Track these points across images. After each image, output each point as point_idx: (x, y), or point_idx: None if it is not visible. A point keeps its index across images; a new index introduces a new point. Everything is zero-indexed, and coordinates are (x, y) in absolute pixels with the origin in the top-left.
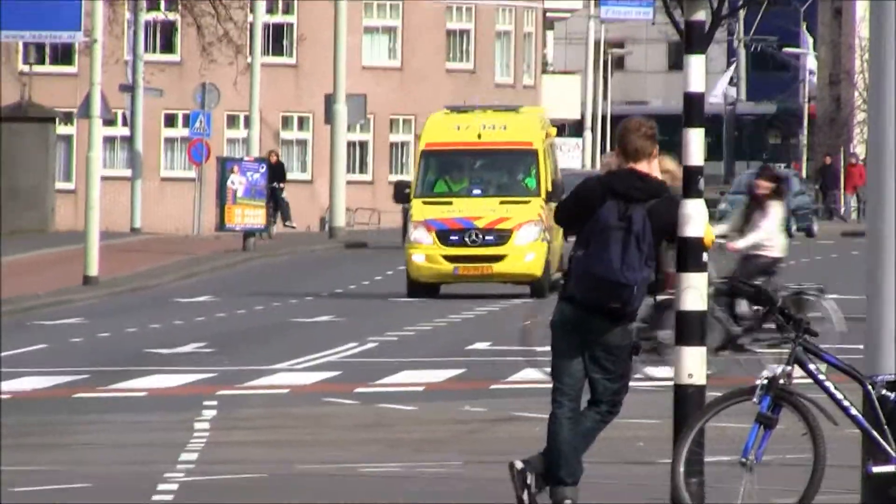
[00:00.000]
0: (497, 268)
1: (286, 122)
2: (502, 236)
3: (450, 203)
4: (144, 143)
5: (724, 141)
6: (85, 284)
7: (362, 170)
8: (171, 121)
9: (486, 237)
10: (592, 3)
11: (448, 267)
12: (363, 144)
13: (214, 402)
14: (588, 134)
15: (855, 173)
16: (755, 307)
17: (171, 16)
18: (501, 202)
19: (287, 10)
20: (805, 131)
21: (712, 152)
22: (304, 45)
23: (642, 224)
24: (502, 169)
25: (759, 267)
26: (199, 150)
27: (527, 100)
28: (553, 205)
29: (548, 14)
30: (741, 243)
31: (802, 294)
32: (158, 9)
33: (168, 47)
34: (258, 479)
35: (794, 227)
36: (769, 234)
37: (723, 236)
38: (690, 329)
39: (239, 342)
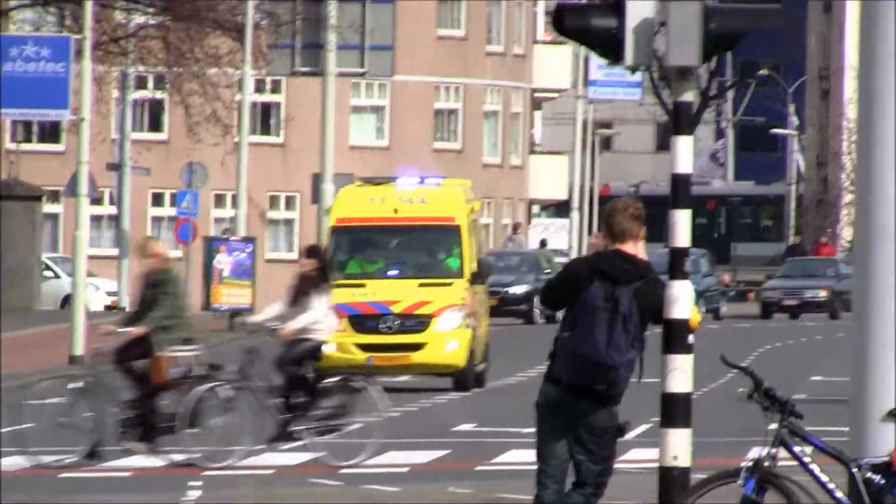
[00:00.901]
0: (416, 357)
1: (273, 201)
2: (421, 322)
3: (363, 286)
4: (131, 222)
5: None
6: (71, 363)
7: None
8: (158, 200)
9: (404, 323)
10: (580, 83)
11: (361, 356)
12: None
13: (199, 483)
14: (575, 214)
15: (823, 252)
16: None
17: (159, 94)
18: (421, 284)
19: (275, 90)
20: (791, 213)
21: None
22: (292, 124)
23: (629, 305)
24: (421, 247)
25: (304, 351)
26: (185, 230)
27: (514, 179)
28: (478, 287)
29: (536, 94)
30: (292, 326)
31: (349, 380)
32: (146, 87)
33: (155, 126)
34: None
35: (703, 309)
36: (318, 315)
37: (274, 320)
38: (675, 411)
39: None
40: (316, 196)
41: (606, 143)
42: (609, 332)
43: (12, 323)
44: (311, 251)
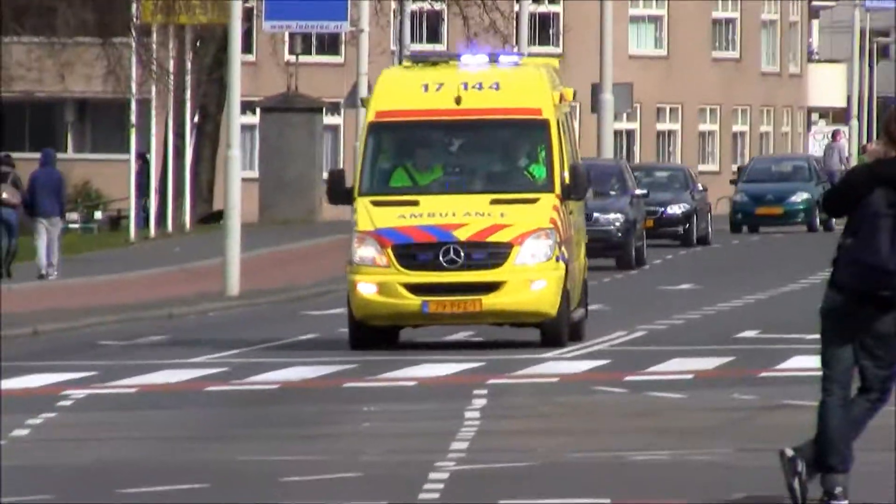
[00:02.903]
0: (489, 302)
1: None
2: (497, 253)
3: (415, 203)
4: None
5: None
6: None
7: (629, 158)
8: None
9: (473, 255)
10: None
11: (413, 302)
12: (630, 133)
13: (484, 391)
14: (854, 122)
15: None
16: None
17: (437, 6)
18: (494, 201)
19: (553, 0)
20: None
21: None
22: (570, 34)
23: None
24: (495, 150)
25: None
26: None
27: (792, 88)
28: (573, 205)
29: (813, 3)
30: None
31: None
32: None
33: (434, 37)
34: (529, 467)
35: None
36: None
37: None
38: None
39: (507, 331)
40: (595, 105)
41: (884, 51)
42: (892, 238)
43: (293, 235)
44: None
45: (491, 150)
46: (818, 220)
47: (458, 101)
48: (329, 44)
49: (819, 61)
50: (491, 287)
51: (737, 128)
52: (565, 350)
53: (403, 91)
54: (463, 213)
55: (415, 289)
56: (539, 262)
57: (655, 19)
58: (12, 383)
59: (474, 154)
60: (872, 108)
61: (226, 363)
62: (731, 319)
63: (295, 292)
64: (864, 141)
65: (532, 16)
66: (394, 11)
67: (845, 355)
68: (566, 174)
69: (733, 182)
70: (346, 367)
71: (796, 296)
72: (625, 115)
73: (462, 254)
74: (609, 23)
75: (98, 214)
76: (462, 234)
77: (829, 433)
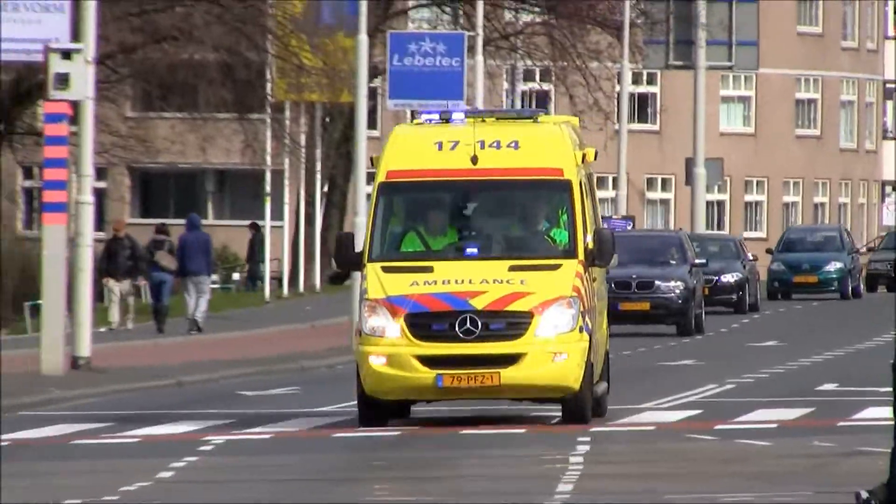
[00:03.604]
0: (508, 376)
1: (650, 183)
2: (516, 324)
3: (428, 269)
4: None
5: None
6: None
7: (719, 227)
8: None
9: (490, 326)
10: None
11: (427, 376)
12: (720, 204)
13: (588, 438)
14: None
15: None
16: None
17: (545, 86)
18: (513, 268)
19: (650, 81)
20: None
21: None
22: (666, 113)
23: None
24: (513, 213)
25: None
26: None
27: (868, 163)
28: (596, 272)
29: (887, 85)
30: None
31: None
32: (533, 80)
33: None
34: None
35: None
36: None
37: None
38: None
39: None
40: (689, 179)
41: None
42: None
43: None
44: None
45: (509, 213)
46: (849, 288)
47: (474, 160)
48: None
49: (892, 138)
50: (510, 360)
51: (818, 199)
52: (661, 401)
53: (416, 149)
54: (480, 280)
55: (429, 361)
56: (561, 333)
57: (744, 99)
58: (158, 430)
59: (491, 217)
60: None
61: (352, 412)
62: (811, 373)
63: None
64: None
65: (632, 95)
66: (506, 91)
67: None
68: (589, 239)
69: (768, 251)
70: (463, 415)
71: (872, 351)
72: (716, 188)
73: (479, 324)
74: (702, 102)
75: (235, 276)
76: (479, 303)
77: None
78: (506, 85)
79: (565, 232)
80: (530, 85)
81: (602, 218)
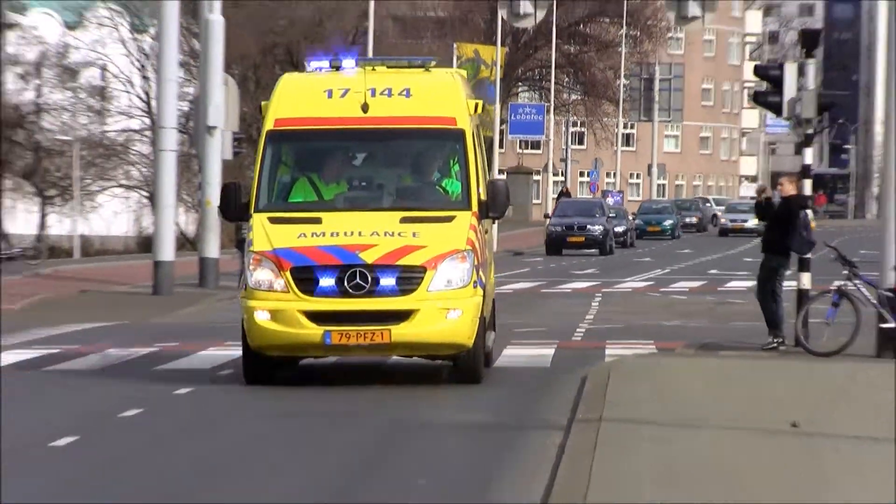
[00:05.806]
0: (399, 333)
1: (631, 175)
2: (408, 279)
3: (317, 221)
4: None
5: None
6: None
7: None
8: None
9: (381, 280)
10: None
11: (314, 332)
12: (661, 186)
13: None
14: None
15: None
16: None
17: (581, 128)
18: (405, 219)
19: (632, 126)
20: None
21: None
22: (639, 142)
23: None
24: (405, 163)
25: None
26: None
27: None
28: (488, 224)
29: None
30: None
31: None
32: (575, 126)
33: (579, 141)
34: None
35: None
36: None
37: None
38: None
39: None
40: (649, 173)
41: None
42: None
43: None
44: None
45: (401, 163)
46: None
47: (364, 108)
48: (533, 144)
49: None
50: (401, 316)
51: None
52: (630, 277)
53: (305, 97)
54: (370, 233)
55: (316, 317)
56: (455, 289)
57: (676, 136)
58: None
59: (383, 167)
60: None
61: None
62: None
63: None
64: None
65: (624, 134)
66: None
67: None
68: (482, 190)
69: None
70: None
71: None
72: (661, 178)
73: (369, 278)
74: (656, 137)
75: None
76: (369, 256)
77: None
78: (563, 127)
79: (458, 183)
80: (573, 129)
81: (604, 191)
